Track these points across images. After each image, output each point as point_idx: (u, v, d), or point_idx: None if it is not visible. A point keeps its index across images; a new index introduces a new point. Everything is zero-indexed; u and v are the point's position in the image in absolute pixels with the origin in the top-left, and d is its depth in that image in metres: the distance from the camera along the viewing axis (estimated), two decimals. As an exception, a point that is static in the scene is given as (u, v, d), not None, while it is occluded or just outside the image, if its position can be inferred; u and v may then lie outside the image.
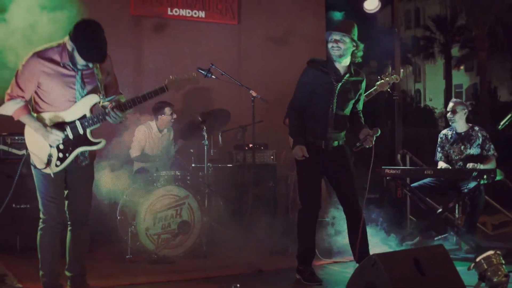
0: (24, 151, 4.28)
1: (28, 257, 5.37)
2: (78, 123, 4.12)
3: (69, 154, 4.13)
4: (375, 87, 6.36)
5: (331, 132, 5.00)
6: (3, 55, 4.66)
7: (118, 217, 6.16)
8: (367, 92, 6.35)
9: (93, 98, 4.15)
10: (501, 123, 5.45)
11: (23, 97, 4.06)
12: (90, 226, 4.44)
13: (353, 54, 4.96)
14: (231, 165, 7.24)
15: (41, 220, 4.22)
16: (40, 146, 4.09)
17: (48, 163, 4.07)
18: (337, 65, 4.98)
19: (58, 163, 4.11)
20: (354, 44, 4.91)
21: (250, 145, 7.33)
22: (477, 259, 4.53)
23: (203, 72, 6.67)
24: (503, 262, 4.55)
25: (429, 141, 7.13)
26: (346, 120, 5.12)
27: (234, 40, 8.42)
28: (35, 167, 4.12)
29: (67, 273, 4.37)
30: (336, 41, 4.88)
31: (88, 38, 3.94)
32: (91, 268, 5.34)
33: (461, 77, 38.28)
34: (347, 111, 5.09)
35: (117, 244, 6.21)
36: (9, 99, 4.06)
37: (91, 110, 4.16)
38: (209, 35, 8.12)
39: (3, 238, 5.95)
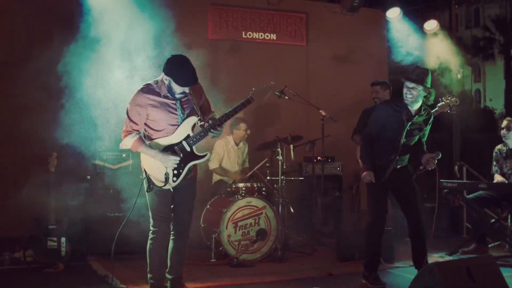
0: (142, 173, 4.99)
1: (121, 261, 6.27)
2: (184, 143, 4.88)
3: (182, 170, 4.89)
4: (436, 109, 6.93)
5: (397, 159, 5.64)
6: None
7: (202, 225, 6.94)
8: None
9: (192, 120, 4.92)
10: None
11: (137, 130, 4.85)
12: (189, 236, 5.19)
13: (425, 98, 5.56)
14: (301, 178, 7.90)
15: (151, 231, 5.00)
16: (157, 168, 4.85)
17: (166, 181, 4.83)
18: (409, 106, 5.59)
19: (175, 179, 4.87)
20: (427, 91, 5.51)
21: (319, 158, 8.04)
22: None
23: (277, 94, 7.40)
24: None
25: (487, 148, 7.59)
26: (411, 148, 5.73)
27: (302, 60, 9.11)
28: (154, 185, 4.86)
29: (168, 276, 5.14)
30: (409, 89, 5.49)
31: (181, 68, 4.71)
32: None
33: (522, 77, 37.78)
34: (413, 143, 5.71)
35: (199, 249, 6.90)
36: (126, 135, 4.85)
37: (192, 129, 4.92)
38: (280, 55, 8.82)
39: (100, 244, 6.61)
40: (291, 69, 8.89)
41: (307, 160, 8.40)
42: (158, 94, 4.82)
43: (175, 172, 4.87)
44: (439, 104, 6.98)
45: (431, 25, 8.99)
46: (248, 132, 7.70)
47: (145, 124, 4.90)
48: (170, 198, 4.98)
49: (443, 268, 4.47)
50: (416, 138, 5.70)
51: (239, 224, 6.69)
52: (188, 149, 4.90)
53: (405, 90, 5.52)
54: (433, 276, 4.38)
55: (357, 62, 9.22)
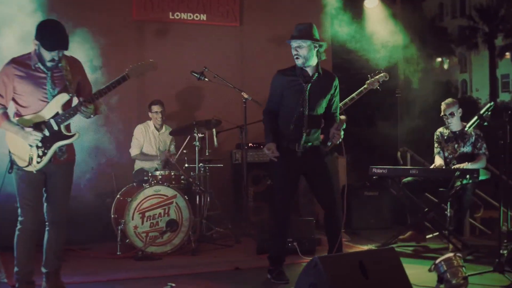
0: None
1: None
2: (52, 121, 4.43)
3: (48, 150, 4.43)
4: (364, 86, 6.52)
5: (304, 134, 5.09)
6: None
7: (112, 216, 6.48)
8: (358, 91, 6.51)
9: (63, 97, 4.45)
10: (468, 126, 5.52)
11: (2, 104, 4.42)
12: (65, 227, 4.71)
13: (318, 53, 5.05)
14: (221, 165, 7.42)
15: (18, 221, 4.52)
16: (21, 147, 4.41)
17: (30, 161, 4.39)
18: (306, 68, 5.09)
19: (39, 159, 4.41)
20: (316, 44, 5.02)
21: (250, 144, 7.60)
22: (437, 261, 4.63)
23: (196, 75, 6.95)
24: (463, 264, 4.64)
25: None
26: (319, 120, 5.19)
27: (236, 42, 8.62)
28: (18, 167, 4.42)
29: (43, 269, 4.68)
30: (296, 48, 5.01)
31: (49, 31, 4.30)
32: (79, 264, 5.70)
33: (508, 67, 37.39)
34: (319, 110, 5.15)
35: (110, 242, 6.49)
36: None
37: (63, 107, 4.46)
38: (210, 37, 8.33)
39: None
40: (224, 51, 8.39)
41: (238, 147, 7.93)
42: (28, 66, 4.40)
43: (40, 152, 4.42)
44: (367, 81, 6.54)
45: (372, 2, 8.48)
46: (160, 115, 7.21)
47: (13, 99, 4.46)
48: (38, 184, 4.51)
49: (331, 262, 4.02)
50: (323, 104, 5.15)
51: (147, 214, 6.22)
52: (55, 127, 4.44)
53: (293, 52, 5.04)
54: (318, 272, 3.93)
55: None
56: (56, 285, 4.65)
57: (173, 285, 4.40)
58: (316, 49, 5.02)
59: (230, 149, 8.06)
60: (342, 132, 5.01)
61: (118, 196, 6.53)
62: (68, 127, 4.55)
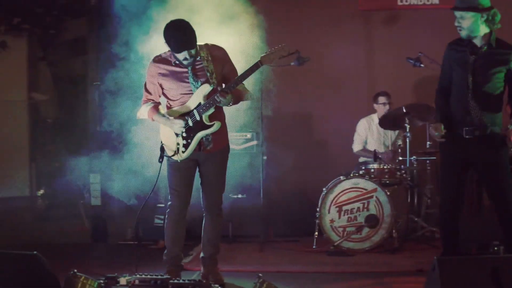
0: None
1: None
2: (195, 111, 4.60)
3: (191, 140, 4.63)
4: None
5: (472, 116, 4.42)
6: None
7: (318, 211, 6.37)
8: None
9: (205, 88, 4.58)
10: None
11: (152, 99, 4.77)
12: (222, 215, 4.88)
13: (488, 22, 4.33)
14: (433, 158, 6.74)
15: (168, 207, 4.85)
16: (169, 137, 4.71)
17: (176, 151, 4.66)
18: (473, 40, 4.41)
19: (184, 149, 4.64)
20: (484, 14, 4.30)
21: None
22: None
23: (411, 61, 6.50)
24: None
25: None
26: (494, 100, 4.44)
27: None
28: (167, 156, 4.73)
29: (201, 254, 4.93)
30: (458, 20, 4.38)
31: (172, 34, 4.45)
32: (270, 254, 5.99)
33: None
34: (492, 88, 4.41)
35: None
36: (142, 104, 4.81)
37: (205, 98, 4.59)
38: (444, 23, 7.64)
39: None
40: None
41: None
42: (169, 63, 4.66)
43: (185, 142, 4.64)
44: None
45: None
46: (388, 106, 6.88)
47: (164, 94, 4.78)
48: (187, 172, 4.75)
49: (452, 266, 3.42)
50: (496, 80, 4.39)
51: (344, 208, 6.04)
52: (197, 118, 4.61)
53: (455, 24, 4.41)
54: (434, 277, 3.37)
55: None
56: (212, 272, 4.82)
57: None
58: (483, 19, 4.31)
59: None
60: None
61: (324, 189, 6.45)
62: (212, 117, 4.63)
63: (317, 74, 7.37)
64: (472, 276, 3.35)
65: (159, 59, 4.70)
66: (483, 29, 4.35)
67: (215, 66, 4.63)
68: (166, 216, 4.83)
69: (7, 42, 8.88)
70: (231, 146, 6.40)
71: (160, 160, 4.72)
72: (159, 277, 4.12)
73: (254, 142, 6.90)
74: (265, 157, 6.82)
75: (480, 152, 4.43)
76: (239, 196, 6.78)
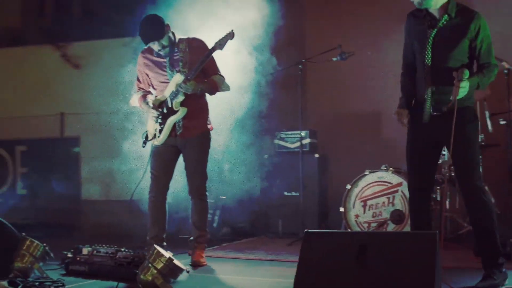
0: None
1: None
2: (168, 99, 4.89)
3: (164, 125, 4.91)
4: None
5: (433, 92, 3.97)
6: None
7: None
8: None
9: (178, 77, 4.84)
10: None
11: (142, 88, 5.15)
12: (205, 200, 5.05)
13: None
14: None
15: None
16: (151, 124, 5.05)
17: (154, 136, 4.98)
18: (430, 10, 3.99)
19: (159, 134, 4.94)
20: None
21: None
22: None
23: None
24: None
25: None
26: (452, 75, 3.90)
27: None
28: (148, 140, 5.04)
29: (190, 237, 5.14)
30: None
31: (140, 28, 4.82)
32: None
33: None
34: (452, 63, 3.92)
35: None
36: (136, 92, 5.21)
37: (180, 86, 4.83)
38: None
39: (271, 223, 6.90)
40: None
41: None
42: (152, 53, 5.02)
43: (160, 128, 4.93)
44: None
45: None
46: None
47: (151, 83, 5.11)
48: (165, 157, 5.00)
49: (318, 240, 3.23)
50: (457, 54, 3.92)
51: (369, 203, 5.79)
52: (169, 104, 4.89)
53: None
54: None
55: None
56: (194, 253, 5.02)
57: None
58: None
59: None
60: (465, 85, 3.76)
61: (348, 185, 6.18)
62: (183, 104, 4.84)
63: (379, 70, 7.15)
64: (337, 251, 3.15)
65: (145, 50, 5.10)
66: None
67: (192, 57, 4.89)
68: (148, 199, 5.11)
69: None
70: (284, 144, 6.58)
71: (143, 145, 5.08)
72: (113, 249, 4.49)
73: (308, 140, 6.90)
74: (316, 155, 6.82)
75: (443, 128, 3.96)
76: (293, 193, 6.80)
